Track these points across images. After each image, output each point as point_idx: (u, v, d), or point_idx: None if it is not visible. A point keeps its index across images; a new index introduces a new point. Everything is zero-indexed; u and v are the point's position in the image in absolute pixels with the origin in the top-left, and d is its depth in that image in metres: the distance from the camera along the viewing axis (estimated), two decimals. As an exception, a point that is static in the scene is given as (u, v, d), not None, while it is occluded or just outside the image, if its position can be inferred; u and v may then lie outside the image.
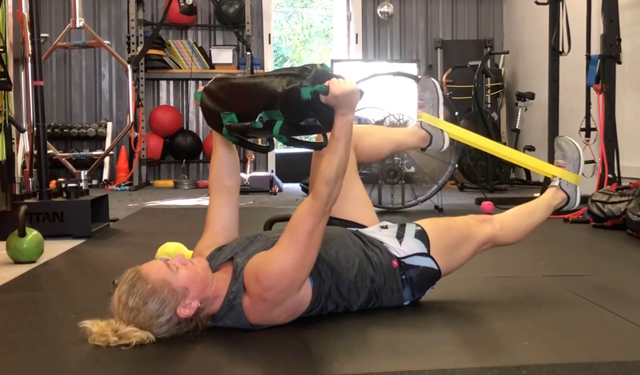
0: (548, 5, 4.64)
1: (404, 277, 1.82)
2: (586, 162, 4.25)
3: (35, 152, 3.62)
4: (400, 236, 1.86)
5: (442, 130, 2.19)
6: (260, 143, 1.95)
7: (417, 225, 1.89)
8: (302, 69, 1.60)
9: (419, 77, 6.68)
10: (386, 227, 1.91)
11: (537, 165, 2.32)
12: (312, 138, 1.84)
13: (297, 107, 1.59)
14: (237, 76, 1.82)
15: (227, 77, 1.79)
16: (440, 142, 2.20)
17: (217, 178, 1.88)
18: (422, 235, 1.86)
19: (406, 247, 1.84)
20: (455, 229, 1.92)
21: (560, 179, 2.18)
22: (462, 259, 1.92)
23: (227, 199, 1.87)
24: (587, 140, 4.37)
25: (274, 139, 1.70)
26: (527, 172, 6.55)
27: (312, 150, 1.92)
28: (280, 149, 7.44)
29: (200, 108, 1.83)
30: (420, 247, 1.84)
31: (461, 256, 1.91)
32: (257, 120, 1.63)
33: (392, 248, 1.83)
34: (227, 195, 1.87)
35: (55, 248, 2.90)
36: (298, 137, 1.69)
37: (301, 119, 1.61)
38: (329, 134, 1.64)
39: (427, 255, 1.84)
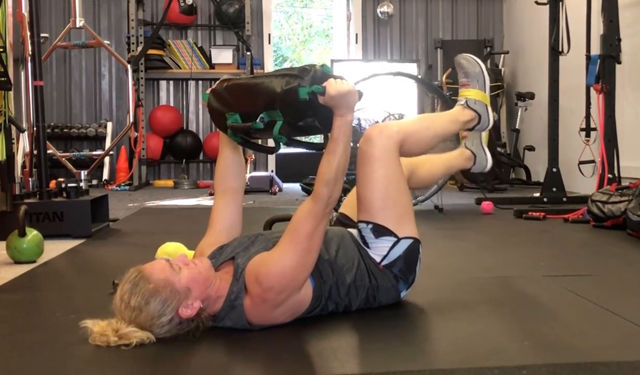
0: (548, 5, 4.64)
1: (394, 273, 1.82)
2: (586, 162, 4.31)
3: (35, 152, 3.62)
4: (366, 244, 1.83)
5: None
6: (263, 143, 1.95)
7: (368, 223, 1.81)
8: (302, 70, 1.61)
9: (419, 76, 6.69)
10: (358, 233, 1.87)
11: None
12: (314, 139, 1.85)
13: (296, 108, 1.59)
14: (242, 77, 1.82)
15: (232, 78, 1.80)
16: (483, 161, 2.19)
17: (223, 179, 1.89)
18: (380, 230, 1.80)
19: (378, 251, 1.82)
20: (387, 183, 1.80)
21: (466, 98, 2.08)
22: (406, 195, 1.85)
23: (231, 200, 1.88)
24: (587, 140, 4.38)
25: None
26: (527, 172, 6.56)
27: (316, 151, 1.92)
28: (280, 149, 7.45)
29: (207, 109, 1.84)
30: (387, 241, 1.81)
31: (404, 192, 1.84)
32: (258, 120, 1.63)
33: (370, 253, 1.82)
34: (231, 196, 1.88)
35: (55, 248, 2.90)
36: (298, 138, 1.69)
37: (300, 120, 1.62)
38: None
39: (398, 240, 1.81)
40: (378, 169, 1.80)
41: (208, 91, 1.83)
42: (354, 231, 1.88)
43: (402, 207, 1.84)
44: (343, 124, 1.60)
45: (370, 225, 1.81)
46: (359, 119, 4.19)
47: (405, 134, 1.86)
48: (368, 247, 1.82)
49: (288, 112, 1.61)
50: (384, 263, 1.81)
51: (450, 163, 2.21)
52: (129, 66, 6.38)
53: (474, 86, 2.09)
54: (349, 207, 1.98)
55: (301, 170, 6.12)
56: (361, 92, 1.62)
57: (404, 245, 1.82)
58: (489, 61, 6.94)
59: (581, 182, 4.84)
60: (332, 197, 1.60)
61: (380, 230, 1.81)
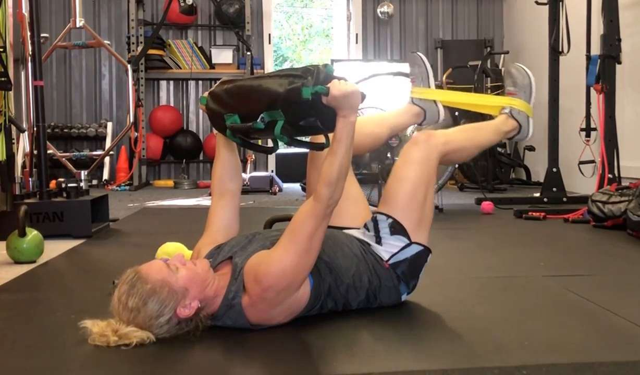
0: (548, 5, 4.65)
1: (397, 274, 1.82)
2: (586, 162, 4.31)
3: (35, 152, 3.62)
4: (378, 240, 1.83)
5: (434, 102, 2.16)
6: (262, 143, 1.95)
7: (388, 216, 1.82)
8: (305, 70, 1.61)
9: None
10: (367, 229, 1.88)
11: (485, 101, 2.22)
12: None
13: (298, 107, 1.59)
14: (241, 78, 1.82)
15: (231, 79, 1.80)
16: (435, 115, 2.18)
17: (220, 181, 1.89)
18: (397, 228, 1.82)
19: (388, 248, 1.82)
20: (417, 187, 1.83)
21: (511, 107, 2.12)
22: (431, 204, 1.87)
23: (229, 202, 1.89)
24: (587, 140, 4.38)
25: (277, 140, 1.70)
26: (527, 172, 6.55)
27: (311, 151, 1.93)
28: (280, 149, 7.46)
29: (205, 112, 1.84)
30: (400, 241, 1.82)
31: (430, 200, 1.86)
32: (258, 120, 1.63)
33: (378, 250, 1.83)
34: (229, 198, 1.89)
35: (55, 248, 2.89)
36: (299, 138, 1.69)
37: (302, 119, 1.62)
38: (331, 135, 1.64)
39: (410, 244, 1.82)
40: (414, 171, 1.84)
41: (205, 94, 1.83)
42: (353, 232, 1.88)
43: (424, 213, 1.85)
44: (346, 125, 1.60)
45: (390, 220, 1.82)
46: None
47: (451, 146, 1.92)
48: (380, 243, 1.83)
49: (290, 112, 1.61)
50: (391, 261, 1.82)
51: (397, 122, 2.20)
52: (129, 66, 6.38)
53: (520, 97, 2.14)
54: (342, 207, 1.96)
55: (301, 170, 6.10)
56: (364, 94, 1.62)
57: (413, 249, 1.83)
58: (489, 61, 6.94)
59: (581, 182, 4.84)
60: (334, 197, 1.60)
61: (397, 228, 1.82)
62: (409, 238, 1.82)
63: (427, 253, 1.86)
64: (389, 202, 1.85)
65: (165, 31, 7.19)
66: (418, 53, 2.23)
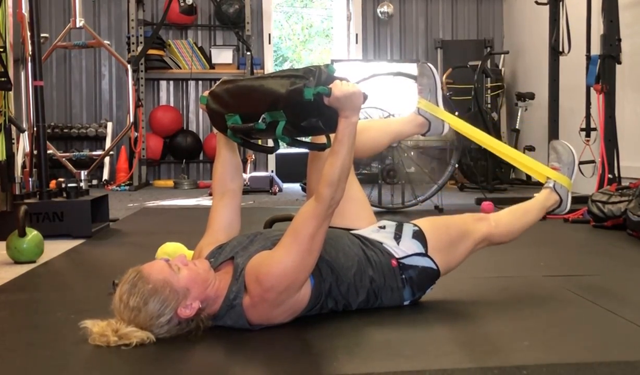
0: (548, 5, 4.65)
1: (403, 276, 1.82)
2: (586, 162, 4.31)
3: (35, 152, 3.62)
4: (397, 237, 1.86)
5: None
6: (262, 143, 1.95)
7: (415, 225, 1.90)
8: (306, 71, 1.61)
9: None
10: (384, 227, 1.91)
11: (532, 165, 2.29)
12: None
13: (300, 108, 1.60)
14: (242, 78, 1.82)
15: (232, 79, 1.80)
16: (439, 127, 2.20)
17: (221, 181, 1.90)
18: (419, 236, 1.86)
19: (404, 247, 1.84)
20: (452, 227, 1.94)
21: (554, 181, 2.19)
22: (460, 257, 1.93)
23: (229, 202, 1.89)
24: (587, 140, 4.38)
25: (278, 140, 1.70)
26: (527, 172, 6.55)
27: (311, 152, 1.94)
28: (280, 149, 7.46)
29: (205, 111, 1.85)
30: (417, 247, 1.85)
31: (459, 253, 1.92)
32: (260, 121, 1.64)
33: (391, 248, 1.84)
34: (230, 198, 1.89)
35: (55, 248, 2.89)
36: (301, 138, 1.69)
37: (304, 120, 1.62)
38: (332, 136, 1.64)
39: (425, 255, 1.85)
40: (459, 219, 1.96)
41: (206, 93, 1.84)
42: (361, 231, 1.89)
43: (450, 252, 1.90)
44: (348, 126, 1.60)
45: (416, 228, 1.88)
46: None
47: (500, 229, 2.01)
48: (398, 241, 1.84)
49: (291, 113, 1.61)
50: (402, 260, 1.82)
51: (400, 129, 2.24)
52: (129, 66, 6.38)
53: (564, 172, 2.21)
54: (343, 208, 1.97)
55: (301, 170, 6.09)
56: (366, 94, 1.62)
57: (426, 262, 1.85)
58: (489, 61, 6.94)
59: (581, 182, 4.83)
60: (335, 198, 1.60)
61: (420, 237, 1.86)
62: (426, 250, 1.84)
63: (436, 274, 1.88)
64: (424, 220, 1.94)
65: (165, 31, 7.19)
66: (428, 64, 2.23)
